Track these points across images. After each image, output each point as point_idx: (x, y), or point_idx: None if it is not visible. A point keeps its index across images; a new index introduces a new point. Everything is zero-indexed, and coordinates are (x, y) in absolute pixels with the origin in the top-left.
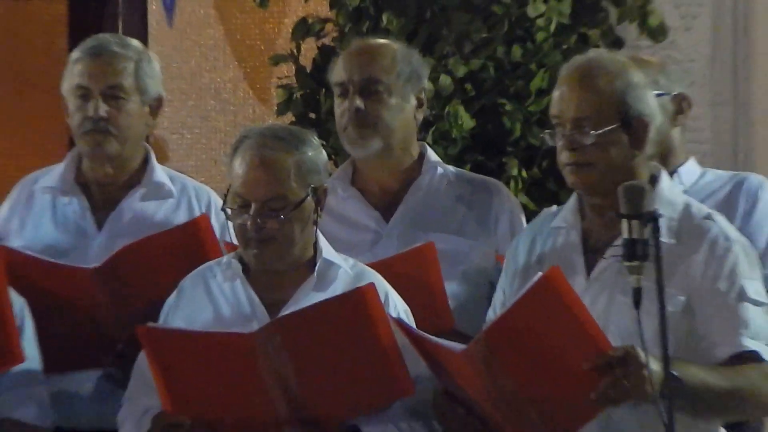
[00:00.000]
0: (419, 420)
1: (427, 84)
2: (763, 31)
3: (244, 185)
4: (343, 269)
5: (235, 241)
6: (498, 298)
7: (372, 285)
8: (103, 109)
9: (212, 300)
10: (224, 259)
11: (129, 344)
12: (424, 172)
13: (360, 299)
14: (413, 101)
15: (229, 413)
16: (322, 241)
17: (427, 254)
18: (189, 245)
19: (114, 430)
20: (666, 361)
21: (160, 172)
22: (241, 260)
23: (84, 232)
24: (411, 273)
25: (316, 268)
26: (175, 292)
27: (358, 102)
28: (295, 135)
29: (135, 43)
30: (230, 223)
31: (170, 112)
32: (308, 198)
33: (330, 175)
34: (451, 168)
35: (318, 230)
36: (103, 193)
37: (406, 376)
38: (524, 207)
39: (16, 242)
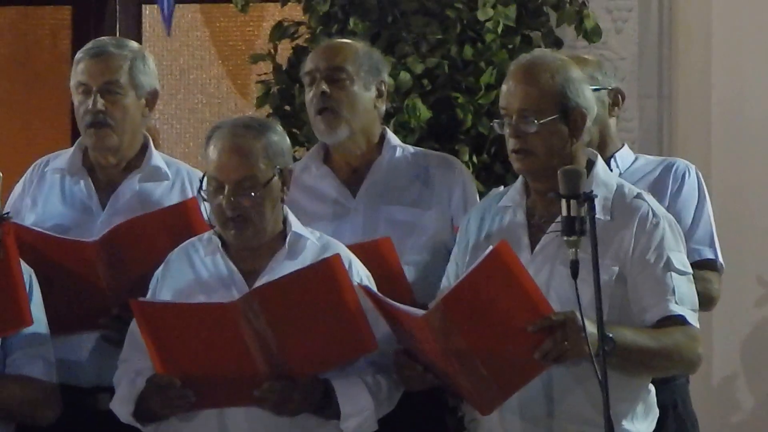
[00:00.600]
0: (382, 374)
1: (387, 78)
2: (685, 32)
3: (218, 169)
4: (311, 241)
5: None
6: (451, 268)
7: (338, 255)
8: (101, 104)
9: (195, 271)
10: (205, 235)
11: (124, 309)
12: (385, 152)
13: (328, 268)
14: (374, 91)
15: (215, 372)
16: (291, 216)
17: (383, 249)
18: (179, 223)
19: (111, 387)
20: (600, 324)
21: (157, 158)
22: (219, 236)
23: (89, 210)
24: (372, 264)
25: (287, 240)
26: (162, 265)
27: (324, 86)
28: (262, 123)
29: (131, 43)
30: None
31: (161, 105)
32: (275, 178)
33: (295, 159)
34: (409, 147)
35: (286, 206)
36: (106, 176)
37: (369, 334)
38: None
39: (28, 218)
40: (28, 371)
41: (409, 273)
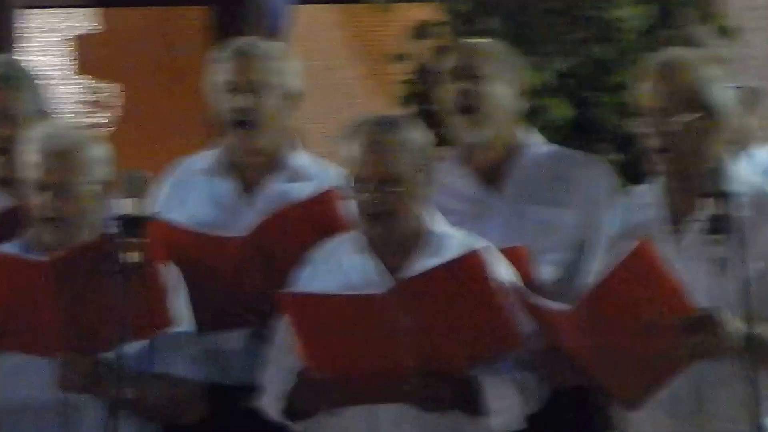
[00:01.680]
0: (530, 371)
1: (529, 78)
2: None
3: (361, 166)
4: (454, 239)
5: None
6: (593, 266)
7: (481, 250)
8: (246, 102)
9: (341, 269)
10: (350, 233)
11: (273, 305)
12: (527, 151)
13: (472, 262)
14: (512, 90)
15: (362, 367)
16: (434, 214)
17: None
18: (322, 214)
19: (260, 385)
20: (748, 320)
21: (302, 157)
22: (363, 233)
23: (235, 211)
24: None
25: (430, 238)
26: (307, 263)
27: (465, 85)
28: (402, 120)
29: (276, 43)
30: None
31: (305, 104)
32: (418, 174)
33: (436, 158)
34: (550, 146)
35: (429, 203)
36: (250, 176)
37: (516, 332)
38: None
39: (173, 219)
40: (174, 371)
41: (550, 271)
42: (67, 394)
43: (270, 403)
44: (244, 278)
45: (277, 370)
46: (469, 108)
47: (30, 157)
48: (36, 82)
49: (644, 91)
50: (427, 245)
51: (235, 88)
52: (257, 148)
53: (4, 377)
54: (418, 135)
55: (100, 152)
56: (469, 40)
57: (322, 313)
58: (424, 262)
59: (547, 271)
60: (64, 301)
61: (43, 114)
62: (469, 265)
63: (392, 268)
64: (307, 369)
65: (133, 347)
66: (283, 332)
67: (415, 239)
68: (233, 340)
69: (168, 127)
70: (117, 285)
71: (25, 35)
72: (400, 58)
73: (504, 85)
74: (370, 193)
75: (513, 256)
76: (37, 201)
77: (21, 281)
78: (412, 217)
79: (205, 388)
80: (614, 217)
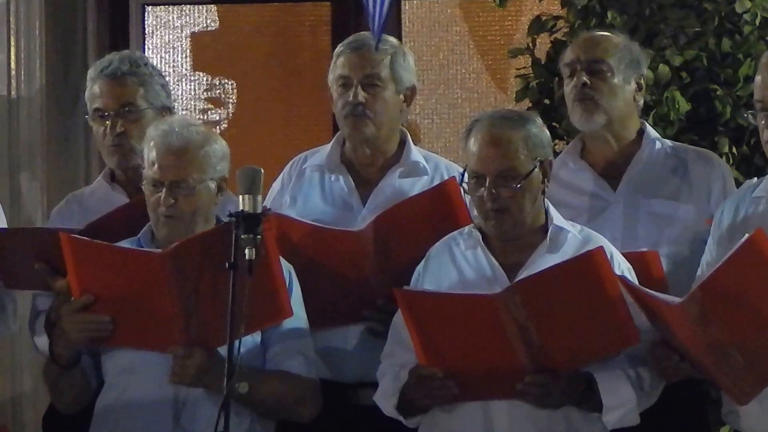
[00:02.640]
0: (643, 366)
1: (646, 72)
2: None
3: (478, 161)
4: (572, 234)
5: None
6: (706, 258)
7: (601, 248)
8: (362, 96)
9: (456, 265)
10: (465, 229)
11: (388, 299)
12: (645, 145)
13: (591, 261)
14: (633, 84)
15: (477, 364)
16: (552, 209)
17: (649, 261)
18: (440, 207)
19: (375, 382)
20: None
21: (415, 153)
22: (479, 229)
23: (349, 207)
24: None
25: (548, 233)
26: (424, 259)
27: (584, 77)
28: (522, 115)
29: (391, 39)
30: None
31: (421, 100)
32: (536, 170)
33: (555, 153)
34: (668, 141)
35: (546, 199)
36: (365, 172)
37: (633, 327)
38: (734, 180)
39: (288, 215)
40: (287, 367)
41: (665, 264)
42: (180, 389)
43: (384, 399)
44: (361, 273)
45: (392, 366)
46: (587, 98)
47: (148, 153)
48: (158, 78)
49: (757, 84)
50: (545, 241)
51: (350, 83)
52: (368, 140)
53: (118, 374)
54: (537, 130)
55: (217, 149)
56: (590, 32)
57: (438, 311)
58: (541, 259)
59: (662, 264)
60: (179, 293)
61: (164, 110)
62: (587, 264)
63: (509, 265)
64: (421, 365)
65: (247, 342)
66: (399, 328)
67: (533, 235)
68: (348, 336)
69: (284, 123)
70: (231, 280)
71: (144, 32)
72: (517, 52)
73: (625, 79)
74: (488, 189)
75: (643, 259)
76: (154, 198)
77: (137, 275)
78: (530, 213)
79: (319, 385)
80: (729, 209)
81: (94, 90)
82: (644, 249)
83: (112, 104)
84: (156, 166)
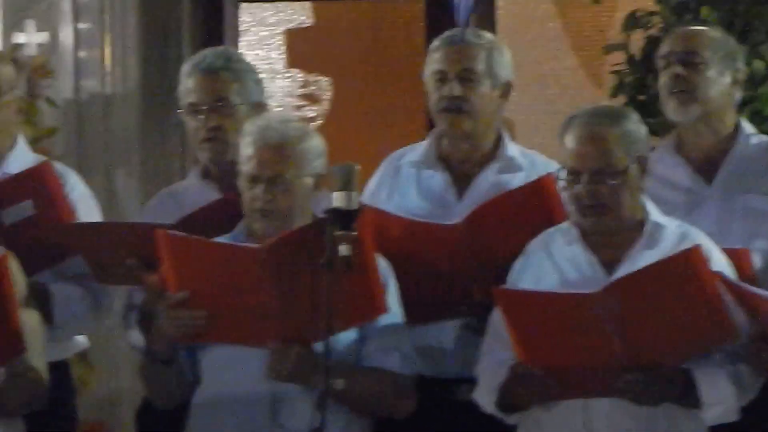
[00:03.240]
0: (742, 362)
1: (743, 66)
2: None
3: (575, 157)
4: (669, 229)
5: None
6: None
7: (699, 245)
8: (458, 90)
9: (554, 262)
10: (563, 225)
11: (486, 295)
12: (741, 140)
13: (689, 258)
14: (728, 78)
15: (575, 362)
16: (650, 205)
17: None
18: (536, 203)
19: (473, 378)
20: None
21: (512, 148)
22: (576, 225)
23: (446, 203)
24: None
25: (646, 228)
26: (521, 256)
27: (679, 69)
28: (618, 112)
29: (488, 34)
30: None
31: (517, 96)
32: (633, 166)
33: (652, 147)
34: (765, 137)
35: (644, 194)
36: (461, 168)
37: (731, 324)
38: None
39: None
40: (384, 363)
41: (759, 260)
42: (277, 385)
43: (484, 396)
44: (458, 268)
45: (491, 362)
46: (682, 90)
47: (245, 149)
48: (253, 74)
49: None
50: (642, 237)
51: (446, 77)
52: (464, 134)
53: (214, 370)
54: (633, 125)
55: (313, 145)
56: (687, 27)
57: (537, 309)
58: (639, 255)
59: (756, 260)
60: (276, 289)
61: (258, 106)
62: (686, 262)
63: (607, 261)
64: (520, 362)
65: (343, 338)
66: (497, 325)
67: (631, 231)
68: (445, 332)
69: (378, 120)
70: (328, 277)
71: (238, 29)
72: (612, 49)
73: (720, 72)
74: (585, 185)
75: (735, 257)
76: (251, 193)
77: (233, 270)
78: (628, 209)
79: (414, 381)
80: None
81: (188, 84)
82: (737, 246)
83: (206, 99)
84: (253, 161)
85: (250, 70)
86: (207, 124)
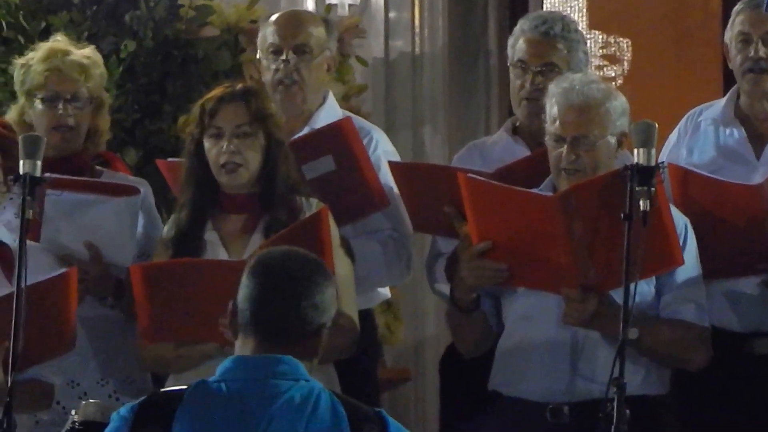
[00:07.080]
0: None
1: None
2: None
3: None
4: None
5: None
6: None
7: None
8: (763, 51)
9: None
10: None
11: None
12: None
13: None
14: None
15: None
16: None
17: None
18: None
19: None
20: None
21: None
22: None
23: (744, 160)
24: None
25: None
26: None
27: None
28: None
29: None
30: None
31: None
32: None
33: None
34: None
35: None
36: (760, 126)
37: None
38: None
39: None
40: (680, 314)
41: None
42: (578, 332)
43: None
44: (757, 227)
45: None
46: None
47: (549, 110)
48: (583, 45)
49: None
50: None
51: (750, 39)
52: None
53: (517, 318)
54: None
55: (617, 105)
56: None
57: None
58: None
59: None
60: (572, 237)
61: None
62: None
63: None
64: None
65: (640, 290)
66: None
67: None
68: (745, 286)
69: (675, 81)
70: (627, 231)
71: None
72: None
73: None
74: None
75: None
76: (556, 152)
77: (532, 217)
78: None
79: (710, 333)
80: None
81: (520, 43)
82: None
83: (536, 61)
84: (558, 122)
85: (582, 41)
86: (533, 84)
